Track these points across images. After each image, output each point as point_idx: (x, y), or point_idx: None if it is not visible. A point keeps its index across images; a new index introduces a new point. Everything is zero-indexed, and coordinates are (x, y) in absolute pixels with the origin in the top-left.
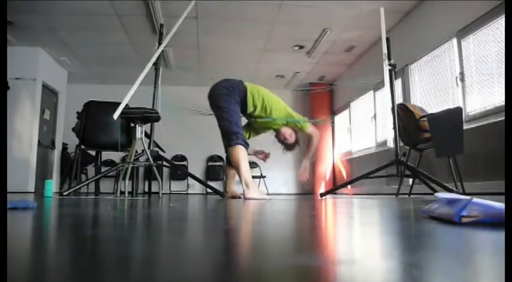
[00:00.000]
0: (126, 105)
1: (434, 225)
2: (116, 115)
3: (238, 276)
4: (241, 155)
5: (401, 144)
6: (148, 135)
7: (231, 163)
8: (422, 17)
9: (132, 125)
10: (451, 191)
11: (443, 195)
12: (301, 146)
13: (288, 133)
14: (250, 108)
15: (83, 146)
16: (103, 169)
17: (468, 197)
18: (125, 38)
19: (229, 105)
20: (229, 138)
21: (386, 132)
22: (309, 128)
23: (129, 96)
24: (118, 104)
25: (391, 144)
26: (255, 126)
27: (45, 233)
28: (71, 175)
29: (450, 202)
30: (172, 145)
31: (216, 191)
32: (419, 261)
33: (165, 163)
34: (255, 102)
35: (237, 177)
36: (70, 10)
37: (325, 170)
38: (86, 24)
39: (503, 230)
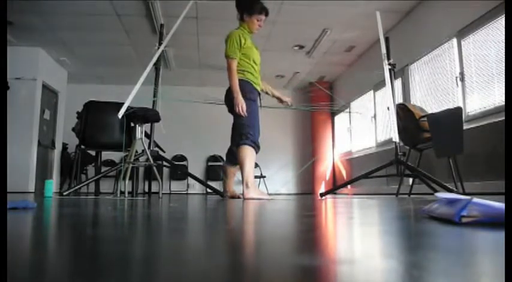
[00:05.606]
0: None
1: (434, 225)
2: (121, 114)
3: (239, 276)
4: (248, 155)
5: (402, 144)
6: (148, 135)
7: (233, 162)
8: (422, 17)
9: (132, 124)
10: (451, 191)
11: (443, 195)
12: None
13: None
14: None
15: (83, 146)
16: (103, 169)
17: (468, 197)
18: (125, 38)
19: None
20: (240, 137)
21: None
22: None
23: (132, 96)
24: (118, 104)
25: (396, 139)
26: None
27: (45, 233)
28: (71, 175)
29: (450, 202)
30: (172, 145)
31: (216, 191)
32: (419, 261)
33: (165, 163)
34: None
35: (236, 177)
36: (70, 10)
37: (325, 170)
38: (86, 24)
39: (503, 230)
